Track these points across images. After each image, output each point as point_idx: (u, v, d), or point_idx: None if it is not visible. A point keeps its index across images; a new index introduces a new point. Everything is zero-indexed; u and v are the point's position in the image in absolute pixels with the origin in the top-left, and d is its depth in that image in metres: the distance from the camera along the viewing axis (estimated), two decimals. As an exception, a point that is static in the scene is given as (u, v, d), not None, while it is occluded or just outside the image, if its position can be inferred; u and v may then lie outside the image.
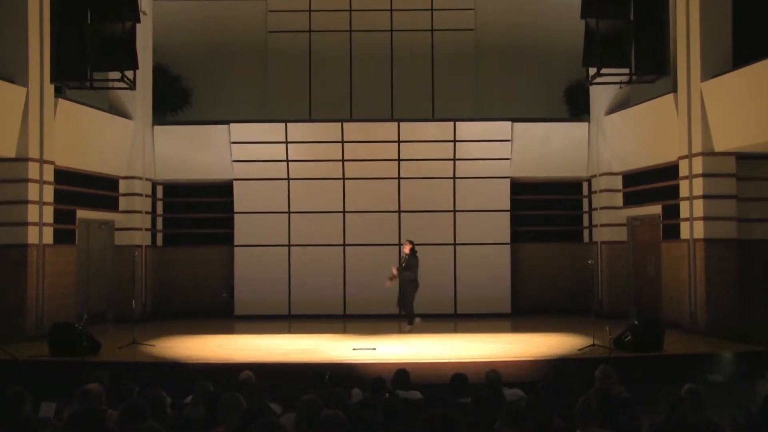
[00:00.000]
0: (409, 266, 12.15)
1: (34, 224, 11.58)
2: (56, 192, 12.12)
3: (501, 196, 15.13)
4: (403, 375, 6.94)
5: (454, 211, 15.16)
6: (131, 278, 12.78)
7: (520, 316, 14.67)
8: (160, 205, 15.56)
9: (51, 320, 10.80)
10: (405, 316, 12.40)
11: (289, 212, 15.12)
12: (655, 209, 13.32)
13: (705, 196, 11.70)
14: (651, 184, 13.41)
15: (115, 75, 10.65)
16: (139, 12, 10.36)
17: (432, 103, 16.31)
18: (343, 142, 14.97)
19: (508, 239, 15.14)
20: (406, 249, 12.29)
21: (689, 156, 11.94)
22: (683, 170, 12.12)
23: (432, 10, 16.35)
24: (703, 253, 11.67)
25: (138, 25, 10.41)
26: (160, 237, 15.53)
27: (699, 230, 11.77)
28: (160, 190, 15.54)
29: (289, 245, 15.04)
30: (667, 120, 12.52)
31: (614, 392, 6.20)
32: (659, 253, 13.21)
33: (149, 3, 14.59)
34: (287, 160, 15.06)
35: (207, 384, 6.22)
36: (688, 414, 5.12)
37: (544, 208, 15.71)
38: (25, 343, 10.55)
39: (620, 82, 11.19)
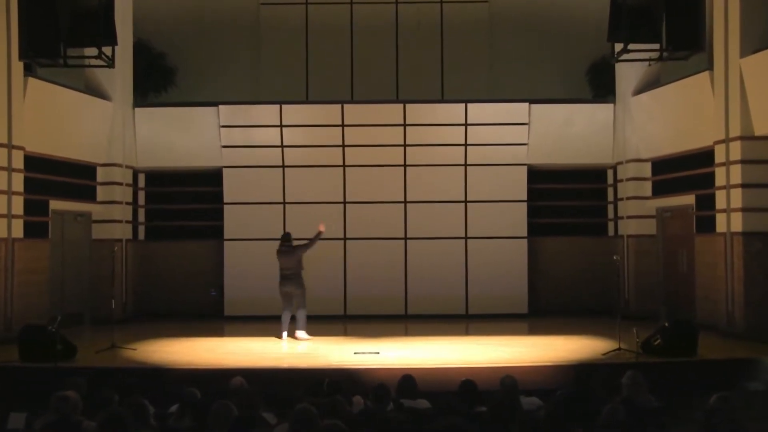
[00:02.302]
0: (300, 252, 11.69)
1: (2, 216, 11.57)
2: (26, 180, 12.10)
3: (517, 185, 15.10)
4: (409, 382, 6.94)
5: (466, 201, 15.13)
6: (110, 275, 12.78)
7: (538, 317, 14.66)
8: (141, 195, 15.56)
9: (21, 322, 10.78)
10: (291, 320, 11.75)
11: (284, 203, 15.11)
12: (688, 199, 13.28)
13: (743, 185, 11.64)
14: (683, 171, 13.36)
15: (92, 51, 10.60)
16: (117, -18, 10.33)
17: (441, 83, 16.27)
18: (343, 125, 14.94)
19: (524, 232, 15.12)
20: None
21: (726, 140, 11.88)
22: (719, 156, 12.06)
23: (441, -21, 16.32)
24: (741, 247, 11.63)
25: (117, -4, 10.38)
26: (142, 230, 15.54)
27: (737, 222, 11.72)
28: (141, 178, 15.54)
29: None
30: (702, 101, 12.46)
31: (643, 401, 6.19)
32: (692, 248, 13.17)
33: (129, -28, 14.56)
34: (282, 146, 15.04)
35: (194, 392, 6.23)
36: (720, 425, 5.11)
37: (565, 199, 15.68)
38: (-7, 347, 10.57)
39: (649, 59, 11.12)
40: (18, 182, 11.89)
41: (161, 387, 8.08)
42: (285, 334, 11.63)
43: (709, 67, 12.21)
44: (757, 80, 11.32)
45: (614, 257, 11.56)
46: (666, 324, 9.99)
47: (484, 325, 13.63)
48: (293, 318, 11.73)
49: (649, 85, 14.23)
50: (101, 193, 14.41)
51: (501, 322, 13.88)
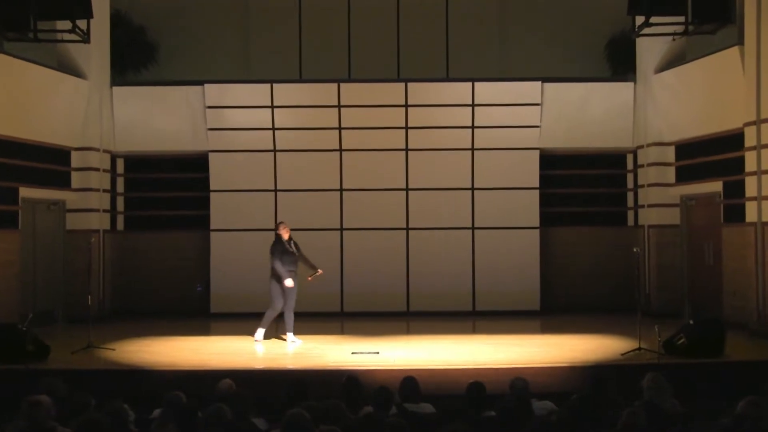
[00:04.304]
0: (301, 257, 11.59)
1: (-31, 205, 11.59)
2: (-4, 166, 12.12)
3: (529, 170, 15.09)
4: (411, 384, 6.95)
5: (473, 188, 15.12)
6: (86, 269, 12.76)
7: (551, 314, 14.68)
8: (120, 182, 15.54)
9: (-10, 320, 10.83)
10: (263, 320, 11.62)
11: (275, 190, 15.10)
12: (715, 186, 13.27)
13: (775, 171, 11.65)
14: (710, 156, 13.34)
15: (65, 25, 10.59)
16: (93, -52, 10.29)
17: (446, 60, 16.22)
18: (339, 106, 14.91)
19: (537, 222, 15.12)
20: (287, 233, 11.56)
21: (757, 122, 11.85)
22: (750, 139, 12.04)
23: (446, -54, 16.25)
24: (772, 238, 11.63)
25: (92, -35, 10.34)
26: (120, 220, 15.53)
27: (768, 211, 11.72)
28: (120, 163, 15.52)
29: (276, 229, 15.01)
30: (731, 78, 12.43)
31: (665, 406, 6.19)
32: (719, 239, 13.17)
33: (106, -62, 14.49)
34: (273, 128, 15.02)
35: (178, 395, 6.23)
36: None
37: (581, 186, 15.66)
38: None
39: (673, 34, 11.13)
40: (-15, 168, 11.89)
41: (142, 390, 8.09)
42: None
43: (739, 41, 12.15)
44: (791, 56, 11.30)
45: (634, 249, 11.53)
46: (690, 322, 10.01)
47: (493, 322, 13.64)
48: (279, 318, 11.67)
49: (672, 61, 14.19)
50: (76, 179, 14.38)
51: (511, 320, 13.89)
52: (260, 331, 11.52)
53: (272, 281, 11.46)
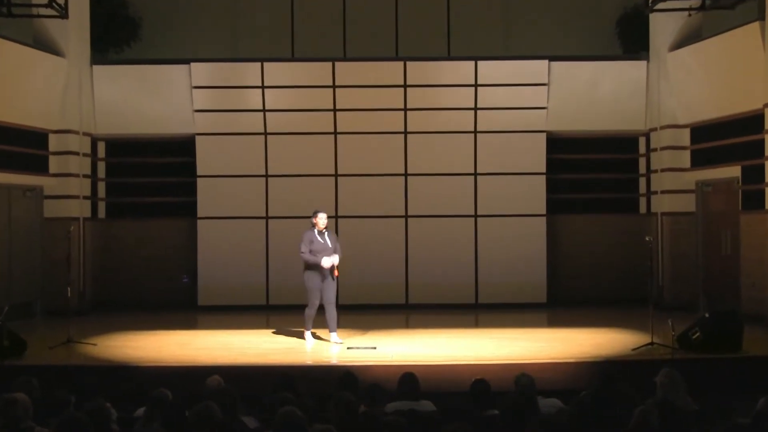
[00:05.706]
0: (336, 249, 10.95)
1: (-59, 191, 11.57)
2: (-31, 150, 12.09)
3: (535, 155, 15.08)
4: (410, 380, 6.96)
5: (476, 174, 15.12)
6: (66, 259, 12.76)
7: (558, 307, 14.72)
8: (101, 167, 15.52)
9: (-36, 313, 10.80)
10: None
11: (266, 176, 15.09)
12: (733, 171, 13.27)
13: (796, 155, 11.65)
14: (727, 139, 13.34)
15: (42, -1, 10.54)
16: None
17: (448, 37, 16.19)
18: (334, 86, 14.89)
19: (543, 210, 15.13)
20: (322, 222, 10.89)
21: (777, 103, 11.87)
22: (770, 121, 12.06)
23: None
24: (792, 227, 11.64)
25: (70, -65, 10.29)
26: (102, 207, 15.52)
27: (788, 198, 11.73)
28: (101, 147, 15.49)
29: (267, 217, 15.04)
30: (751, 56, 12.41)
31: (679, 403, 6.20)
32: (737, 228, 13.18)
33: None
34: (264, 110, 14.99)
35: (164, 392, 6.24)
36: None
37: (590, 171, 15.66)
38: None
39: (689, 9, 11.09)
40: (-42, 152, 11.87)
41: (125, 387, 8.09)
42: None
43: (760, 17, 12.13)
44: (814, 33, 11.28)
45: (647, 238, 11.56)
46: (706, 315, 10.00)
47: (497, 316, 13.68)
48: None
49: (688, 38, 14.16)
50: (54, 164, 14.36)
51: (516, 313, 13.94)
52: (308, 334, 11.15)
53: (305, 274, 10.92)
